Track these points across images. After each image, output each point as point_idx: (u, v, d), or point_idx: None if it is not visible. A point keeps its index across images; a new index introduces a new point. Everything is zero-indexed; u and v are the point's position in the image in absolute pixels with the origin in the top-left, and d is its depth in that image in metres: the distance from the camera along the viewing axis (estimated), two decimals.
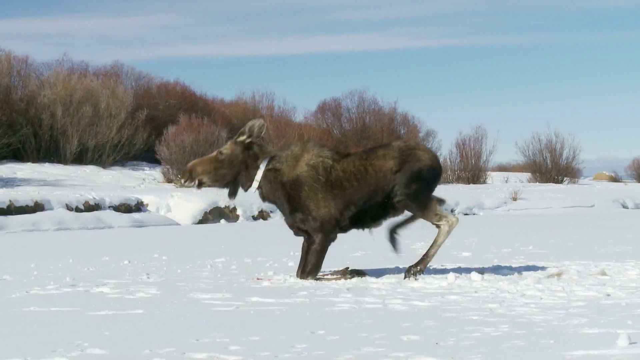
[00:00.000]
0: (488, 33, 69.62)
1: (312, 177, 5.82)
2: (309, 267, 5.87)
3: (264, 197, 6.02)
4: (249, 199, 18.92)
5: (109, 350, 3.46)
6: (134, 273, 6.70)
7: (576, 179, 35.48)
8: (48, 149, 27.48)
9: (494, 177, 34.68)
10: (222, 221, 18.07)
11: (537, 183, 33.03)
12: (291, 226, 6.02)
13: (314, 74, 68.59)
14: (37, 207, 16.91)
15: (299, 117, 34.47)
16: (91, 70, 30.73)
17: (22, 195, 17.59)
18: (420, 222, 6.09)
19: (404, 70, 68.18)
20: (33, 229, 15.68)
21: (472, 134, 33.43)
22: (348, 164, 5.87)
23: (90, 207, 18.03)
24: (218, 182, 6.01)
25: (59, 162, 27.52)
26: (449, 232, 5.93)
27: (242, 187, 6.04)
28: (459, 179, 32.21)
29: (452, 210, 20.55)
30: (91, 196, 18.54)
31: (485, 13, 66.47)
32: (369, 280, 5.88)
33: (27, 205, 16.84)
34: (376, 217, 6.01)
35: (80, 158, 27.91)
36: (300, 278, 5.87)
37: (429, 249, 5.97)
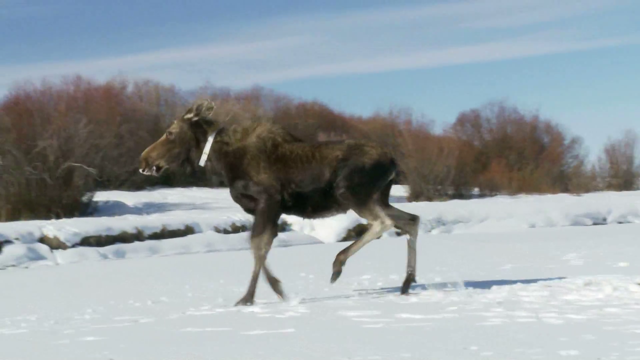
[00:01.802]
0: (636, 32, 66.69)
1: (257, 147, 5.94)
2: (256, 227, 5.91)
3: (212, 170, 6.16)
4: None
5: None
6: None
7: None
8: (195, 173, 28.38)
9: None
10: None
11: None
12: (235, 198, 6.08)
13: (451, 85, 67.74)
14: (188, 231, 17.51)
15: (437, 130, 34.14)
16: (232, 95, 31.65)
17: (174, 219, 18.27)
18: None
19: (545, 77, 66.07)
20: (184, 251, 16.25)
21: (622, 138, 32.05)
22: (297, 147, 5.99)
23: (237, 229, 18.47)
24: (174, 162, 6.21)
25: (205, 185, 28.41)
26: (378, 234, 5.91)
27: (194, 163, 6.17)
28: (609, 186, 30.92)
29: (603, 219, 19.80)
30: (237, 218, 19.01)
31: (631, 10, 63.67)
32: (520, 293, 5.71)
33: (178, 229, 17.47)
34: (318, 206, 6.01)
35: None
36: (251, 240, 5.93)
37: (353, 243, 6.05)
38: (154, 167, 6.19)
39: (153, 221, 17.59)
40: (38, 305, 6.92)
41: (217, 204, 24.78)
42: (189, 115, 6.14)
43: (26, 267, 14.41)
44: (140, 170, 6.28)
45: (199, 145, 6.13)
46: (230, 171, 6.01)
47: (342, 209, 6.07)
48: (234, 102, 30.01)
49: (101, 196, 20.54)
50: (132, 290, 8.11)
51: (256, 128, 6.11)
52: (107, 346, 4.29)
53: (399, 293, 6.15)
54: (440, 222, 19.09)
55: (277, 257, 12.93)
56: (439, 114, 74.95)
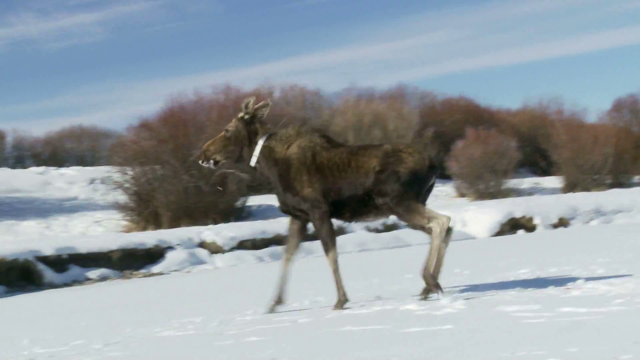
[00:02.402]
0: None
1: (299, 159, 6.01)
2: (322, 241, 6.06)
3: (261, 173, 6.24)
4: (547, 207, 18.34)
5: None
6: None
7: None
8: None
9: None
10: (520, 232, 17.65)
11: None
12: (282, 203, 6.15)
13: (604, 71, 65.11)
14: (340, 231, 17.69)
15: (591, 118, 32.91)
16: (377, 95, 31.73)
17: None
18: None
19: None
20: (340, 251, 16.41)
21: None
22: (335, 154, 6.01)
23: (389, 227, 18.50)
24: (229, 158, 6.32)
25: None
26: (442, 234, 5.65)
27: (247, 162, 6.25)
28: None
29: None
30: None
31: None
32: None
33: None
34: (356, 212, 6.03)
35: None
36: (326, 256, 6.09)
37: (426, 258, 5.74)
38: (212, 161, 6.34)
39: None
40: (202, 308, 7.18)
41: None
42: (241, 114, 6.29)
43: (188, 272, 15.01)
44: (200, 162, 6.44)
45: (251, 145, 6.25)
46: (280, 181, 6.11)
47: (381, 214, 6.04)
48: (379, 101, 30.07)
49: (254, 201, 21.09)
50: (289, 291, 8.26)
51: (297, 137, 6.15)
52: (270, 346, 4.39)
53: (558, 286, 5.95)
54: (599, 212, 18.36)
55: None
56: (591, 102, 72.10)
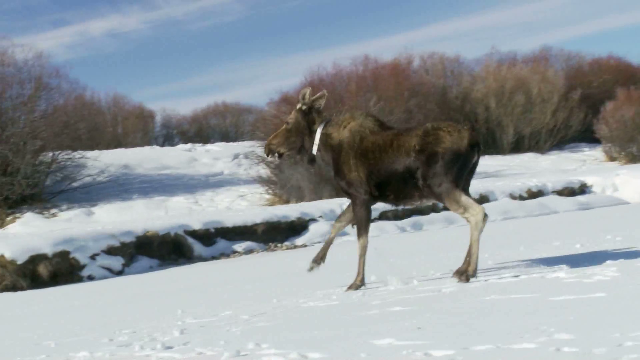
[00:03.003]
0: None
1: (348, 143, 6.17)
2: (357, 226, 6.27)
3: (322, 159, 6.40)
4: None
5: (576, 334, 3.33)
6: (589, 257, 6.48)
7: None
8: (486, 142, 28.17)
9: None
10: None
11: None
12: (337, 185, 6.41)
13: None
14: (482, 199, 17.38)
15: None
16: (519, 59, 30.86)
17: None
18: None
19: None
20: None
21: None
22: (380, 137, 6.06)
23: (533, 194, 18.03)
24: (292, 149, 6.52)
25: (497, 153, 28.06)
26: (478, 225, 5.60)
27: (309, 151, 6.42)
28: None
29: None
30: (533, 183, 18.53)
31: None
32: None
33: (474, 199, 17.41)
34: (399, 194, 6.02)
35: (517, 147, 28.13)
36: (358, 240, 6.24)
37: (469, 249, 5.74)
38: (276, 154, 6.56)
39: None
40: (345, 279, 7.22)
41: (511, 171, 24.34)
42: (300, 105, 6.47)
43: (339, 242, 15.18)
44: (266, 156, 6.69)
45: (311, 135, 6.43)
46: (333, 164, 6.31)
47: (424, 196, 5.95)
48: (522, 65, 29.25)
49: None
50: (431, 260, 8.20)
51: (350, 122, 6.28)
52: (415, 315, 4.35)
53: None
54: None
55: (578, 221, 12.41)
56: None
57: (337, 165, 6.27)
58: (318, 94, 6.47)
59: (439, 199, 5.80)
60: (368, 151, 6.09)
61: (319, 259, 6.51)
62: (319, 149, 6.41)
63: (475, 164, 5.93)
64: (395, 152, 5.95)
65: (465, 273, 5.73)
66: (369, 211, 6.26)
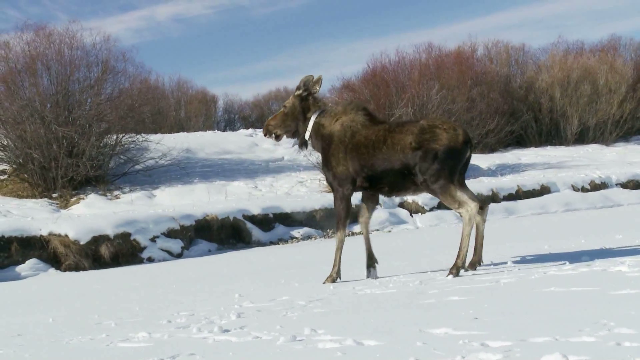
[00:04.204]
0: None
1: (339, 137, 6.29)
2: (336, 219, 6.40)
3: (312, 146, 6.60)
4: None
5: (637, 329, 3.26)
6: None
7: None
8: (549, 132, 27.74)
9: None
10: None
11: None
12: (323, 174, 6.53)
13: None
14: (544, 190, 17.13)
15: None
16: (587, 48, 30.24)
17: (528, 179, 17.98)
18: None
19: None
20: (541, 211, 15.93)
21: None
22: (372, 132, 6.14)
23: (597, 186, 17.70)
24: (288, 132, 6.75)
25: (560, 144, 27.60)
26: (471, 222, 5.77)
27: (302, 136, 6.61)
28: None
29: None
30: (596, 175, 18.20)
31: None
32: None
33: (533, 189, 17.18)
34: (394, 187, 6.09)
35: (581, 138, 27.63)
36: (336, 234, 6.45)
37: (460, 243, 5.89)
38: (273, 135, 6.79)
39: (508, 182, 17.47)
40: (402, 267, 7.21)
41: (574, 162, 23.91)
42: (299, 92, 6.63)
43: (389, 231, 15.14)
44: (263, 135, 6.93)
45: (305, 121, 6.61)
46: (322, 154, 6.45)
47: (419, 189, 6.03)
48: (589, 55, 28.66)
49: None
50: (491, 250, 8.12)
51: (342, 115, 6.37)
52: (472, 305, 4.32)
53: None
54: None
55: None
56: None
57: (325, 156, 6.46)
58: (315, 78, 6.64)
59: (435, 194, 5.94)
60: (360, 146, 6.20)
61: (372, 262, 6.56)
62: (310, 136, 6.63)
63: (469, 159, 6.12)
64: (390, 148, 6.04)
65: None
66: (349, 205, 6.41)
